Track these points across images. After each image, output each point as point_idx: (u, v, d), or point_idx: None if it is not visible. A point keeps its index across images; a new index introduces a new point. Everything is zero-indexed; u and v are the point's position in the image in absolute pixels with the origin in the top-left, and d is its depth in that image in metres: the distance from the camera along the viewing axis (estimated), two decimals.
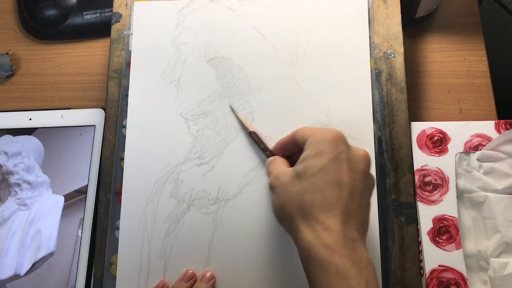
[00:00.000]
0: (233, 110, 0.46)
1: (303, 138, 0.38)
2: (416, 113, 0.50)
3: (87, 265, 0.47)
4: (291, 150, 0.41)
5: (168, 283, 0.43)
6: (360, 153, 0.36)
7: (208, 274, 0.43)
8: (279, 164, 0.40)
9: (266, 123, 0.46)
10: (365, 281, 0.31)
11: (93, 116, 0.52)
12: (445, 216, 0.45)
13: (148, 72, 0.49)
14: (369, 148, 0.44)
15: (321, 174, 0.34)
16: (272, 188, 0.38)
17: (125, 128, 0.48)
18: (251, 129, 0.45)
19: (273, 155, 0.43)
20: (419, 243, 0.44)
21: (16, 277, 0.47)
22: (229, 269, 0.43)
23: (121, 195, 0.47)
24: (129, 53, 0.51)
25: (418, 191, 0.46)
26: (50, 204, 0.50)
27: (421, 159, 0.47)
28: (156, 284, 0.43)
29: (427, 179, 0.46)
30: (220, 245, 0.44)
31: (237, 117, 0.46)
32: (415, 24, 0.53)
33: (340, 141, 0.36)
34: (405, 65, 0.46)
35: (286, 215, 0.36)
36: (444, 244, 0.44)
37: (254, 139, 0.45)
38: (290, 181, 0.36)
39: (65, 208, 0.49)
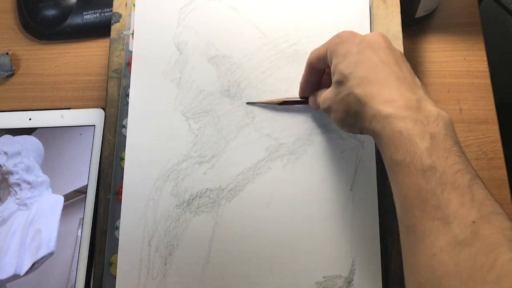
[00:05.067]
0: (253, 103, 0.47)
1: (319, 58, 0.39)
2: None
3: (87, 265, 0.47)
4: (316, 79, 0.43)
5: None
6: (374, 34, 0.37)
7: None
8: (319, 94, 0.41)
9: (266, 122, 0.46)
10: (429, 134, 0.30)
11: (93, 116, 0.52)
12: None
13: (149, 70, 0.49)
14: (369, 147, 0.44)
15: (357, 67, 0.35)
16: (328, 112, 0.39)
17: (125, 128, 0.48)
18: (280, 100, 0.46)
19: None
20: None
21: (16, 277, 0.47)
22: (230, 267, 0.43)
23: (121, 195, 0.47)
24: (128, 53, 0.51)
25: None
26: (50, 204, 0.50)
27: None
28: None
29: None
30: (220, 243, 0.44)
31: (261, 103, 0.46)
32: (415, 24, 0.53)
33: (352, 37, 0.37)
34: None
35: (350, 119, 0.36)
36: None
37: (290, 102, 0.46)
38: (336, 93, 0.37)
39: (65, 208, 0.49)
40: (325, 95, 0.39)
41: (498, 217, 0.28)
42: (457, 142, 0.31)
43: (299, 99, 0.45)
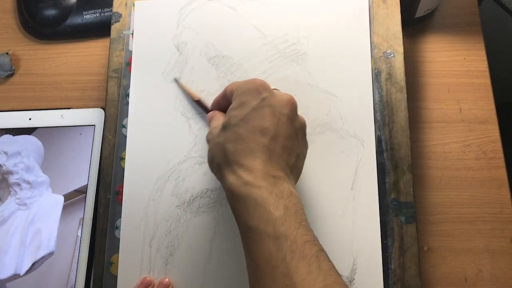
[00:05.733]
0: (177, 81, 0.47)
1: (231, 92, 0.40)
2: (416, 113, 0.50)
3: (87, 265, 0.47)
4: (225, 105, 0.42)
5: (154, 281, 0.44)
6: (285, 98, 0.37)
7: (165, 281, 0.43)
8: (216, 120, 0.42)
9: None
10: (283, 206, 0.32)
11: (93, 116, 0.52)
12: None
13: (149, 71, 0.49)
14: (370, 147, 0.44)
15: (243, 122, 0.36)
16: (207, 142, 0.40)
17: (125, 128, 0.48)
18: (197, 97, 0.46)
19: None
20: None
21: (15, 276, 0.47)
22: (231, 267, 0.43)
23: (121, 195, 0.47)
24: (128, 53, 0.51)
25: None
26: (50, 203, 0.50)
27: None
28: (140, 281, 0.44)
29: None
30: (221, 243, 0.44)
31: (183, 88, 0.47)
32: (415, 24, 0.53)
33: (262, 89, 0.37)
34: (404, 65, 0.46)
35: (215, 165, 0.37)
36: None
37: (201, 105, 0.46)
38: (218, 134, 0.38)
39: (65, 207, 0.49)
40: (211, 130, 0.40)
41: (341, 287, 0.30)
42: (306, 220, 0.33)
43: (207, 109, 0.46)
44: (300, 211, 0.33)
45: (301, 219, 0.32)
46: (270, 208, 0.32)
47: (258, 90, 0.37)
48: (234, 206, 0.34)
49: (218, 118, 0.42)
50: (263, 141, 0.35)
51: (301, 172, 0.38)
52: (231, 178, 0.34)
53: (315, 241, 0.32)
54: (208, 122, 0.43)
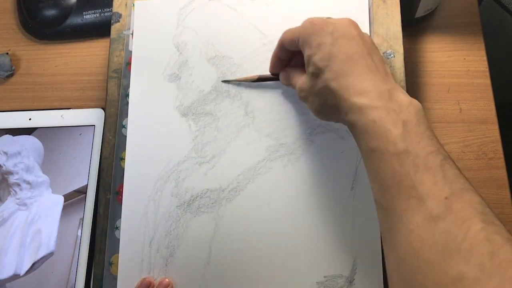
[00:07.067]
0: (228, 82, 0.48)
1: (292, 42, 0.40)
2: None
3: (87, 265, 0.47)
4: (287, 57, 0.43)
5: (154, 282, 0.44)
6: (345, 22, 0.38)
7: (165, 281, 0.43)
8: (296, 76, 0.42)
9: (266, 122, 0.46)
10: (401, 121, 0.32)
11: (93, 116, 0.52)
12: None
13: (148, 71, 0.49)
14: None
15: (332, 60, 0.36)
16: (304, 101, 0.41)
17: (125, 128, 0.48)
18: (255, 77, 0.46)
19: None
20: None
21: (15, 277, 0.47)
22: (231, 267, 0.43)
23: (121, 195, 0.47)
24: (128, 53, 0.51)
25: None
26: (50, 204, 0.50)
27: None
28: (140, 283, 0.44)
29: None
30: (221, 243, 0.44)
31: (238, 81, 0.47)
32: (415, 24, 0.53)
33: (324, 25, 0.37)
34: (404, 65, 0.46)
35: (326, 110, 0.38)
36: None
37: (264, 78, 0.46)
38: (312, 84, 0.38)
39: (65, 208, 0.49)
40: (301, 86, 0.40)
41: (468, 193, 0.29)
42: (428, 127, 0.33)
43: (272, 76, 0.46)
44: (421, 120, 0.33)
45: (423, 130, 0.32)
46: (388, 126, 0.32)
47: (322, 28, 0.37)
48: (356, 135, 0.34)
49: (297, 74, 0.42)
50: (363, 61, 0.35)
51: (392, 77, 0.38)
52: (346, 110, 0.34)
53: (439, 149, 0.31)
54: (287, 82, 0.44)
